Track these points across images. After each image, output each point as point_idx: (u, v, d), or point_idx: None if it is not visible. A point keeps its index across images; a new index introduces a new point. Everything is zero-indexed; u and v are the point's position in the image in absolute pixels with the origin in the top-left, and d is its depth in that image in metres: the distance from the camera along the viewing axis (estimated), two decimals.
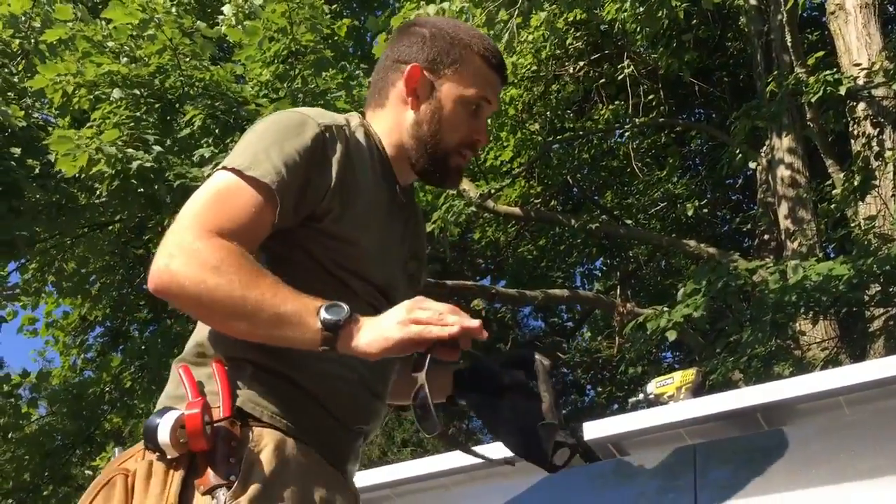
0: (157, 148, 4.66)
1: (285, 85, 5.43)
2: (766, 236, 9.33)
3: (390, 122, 1.58)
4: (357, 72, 7.32)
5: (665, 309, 5.46)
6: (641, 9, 6.59)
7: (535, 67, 8.62)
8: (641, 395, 3.03)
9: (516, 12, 5.56)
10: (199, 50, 5.31)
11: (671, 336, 5.41)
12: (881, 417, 2.37)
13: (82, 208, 5.12)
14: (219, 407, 1.33)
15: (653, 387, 2.98)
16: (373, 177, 1.52)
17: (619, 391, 11.51)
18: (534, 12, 6.03)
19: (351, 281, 1.48)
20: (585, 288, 11.55)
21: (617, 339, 11.24)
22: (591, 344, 12.37)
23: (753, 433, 2.51)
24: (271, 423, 1.37)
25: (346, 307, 1.31)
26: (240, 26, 5.55)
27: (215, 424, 1.31)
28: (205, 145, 4.94)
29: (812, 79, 5.50)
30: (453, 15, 5.19)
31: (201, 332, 1.48)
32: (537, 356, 1.58)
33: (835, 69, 5.96)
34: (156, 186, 4.45)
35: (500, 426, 1.58)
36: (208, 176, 1.53)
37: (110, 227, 5.95)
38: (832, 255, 6.83)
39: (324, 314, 1.30)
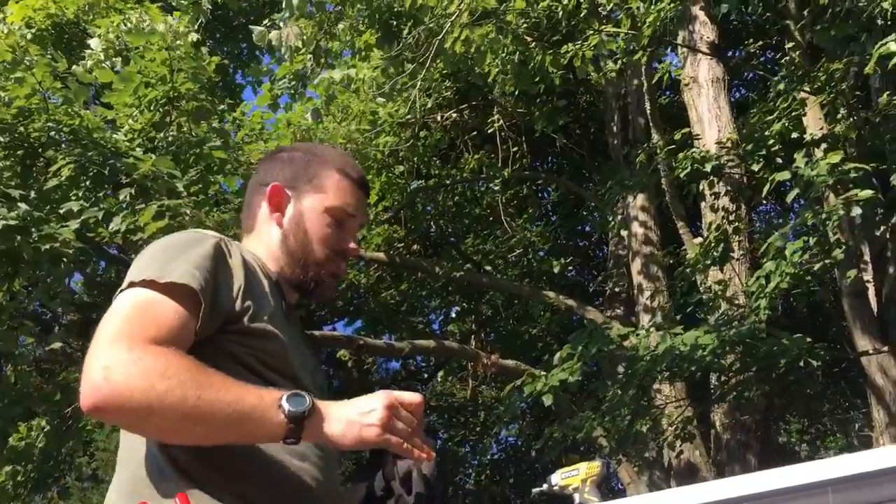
0: (23, 205, 4.18)
1: (162, 134, 5.08)
2: (616, 288, 9.75)
3: (262, 242, 1.61)
4: (222, 107, 7.09)
5: (542, 373, 5.57)
6: (515, 66, 6.75)
7: (407, 114, 8.61)
8: (545, 486, 3.01)
9: (417, 75, 5.55)
10: (72, 95, 4.85)
11: (548, 400, 5.53)
12: None
13: None
14: None
15: (557, 478, 2.94)
16: (268, 285, 1.53)
17: (471, 435, 11.67)
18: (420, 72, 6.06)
19: (278, 381, 1.45)
20: (442, 331, 11.64)
21: (471, 382, 11.40)
22: (445, 386, 12.45)
23: None
24: None
25: (307, 396, 1.29)
26: (107, 63, 5.15)
27: None
28: (73, 198, 4.51)
29: (681, 155, 5.82)
30: (359, 83, 5.10)
31: (141, 463, 1.36)
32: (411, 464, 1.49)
33: (699, 148, 6.34)
34: (17, 244, 4.01)
35: None
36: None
37: None
38: (684, 316, 7.20)
39: (287, 406, 1.27)
